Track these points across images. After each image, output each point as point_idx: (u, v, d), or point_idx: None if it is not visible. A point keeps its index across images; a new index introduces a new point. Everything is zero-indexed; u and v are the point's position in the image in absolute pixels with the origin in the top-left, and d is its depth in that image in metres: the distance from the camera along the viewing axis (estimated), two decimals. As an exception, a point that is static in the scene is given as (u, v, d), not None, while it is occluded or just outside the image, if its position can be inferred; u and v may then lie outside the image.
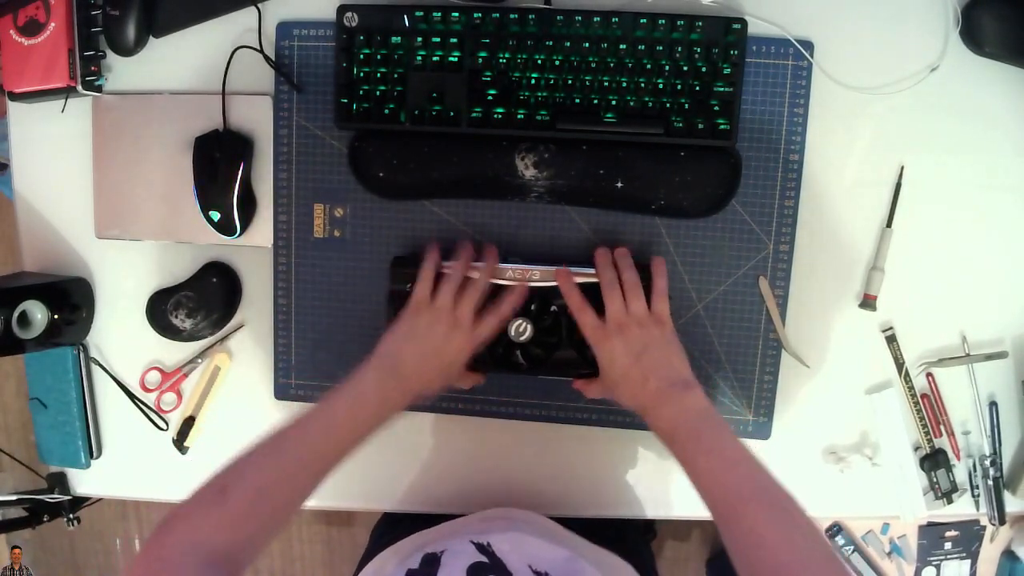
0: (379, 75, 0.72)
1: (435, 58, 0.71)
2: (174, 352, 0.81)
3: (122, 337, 0.82)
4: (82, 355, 0.81)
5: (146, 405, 0.82)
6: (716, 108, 0.69)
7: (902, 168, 0.73)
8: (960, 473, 0.77)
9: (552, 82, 0.70)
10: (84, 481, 0.85)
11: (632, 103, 0.70)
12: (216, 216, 0.75)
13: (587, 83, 0.70)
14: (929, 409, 0.76)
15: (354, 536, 1.78)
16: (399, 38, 0.71)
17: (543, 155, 0.70)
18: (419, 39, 0.71)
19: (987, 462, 0.76)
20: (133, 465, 0.84)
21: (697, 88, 0.69)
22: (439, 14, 0.70)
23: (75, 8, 0.74)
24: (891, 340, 0.75)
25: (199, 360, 0.81)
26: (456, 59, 0.71)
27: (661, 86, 0.69)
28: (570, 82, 0.70)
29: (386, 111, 0.72)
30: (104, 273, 0.82)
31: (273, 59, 0.75)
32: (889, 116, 0.73)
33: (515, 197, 0.73)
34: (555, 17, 0.69)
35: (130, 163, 0.79)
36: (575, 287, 0.67)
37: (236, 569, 0.51)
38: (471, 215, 0.76)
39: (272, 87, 0.76)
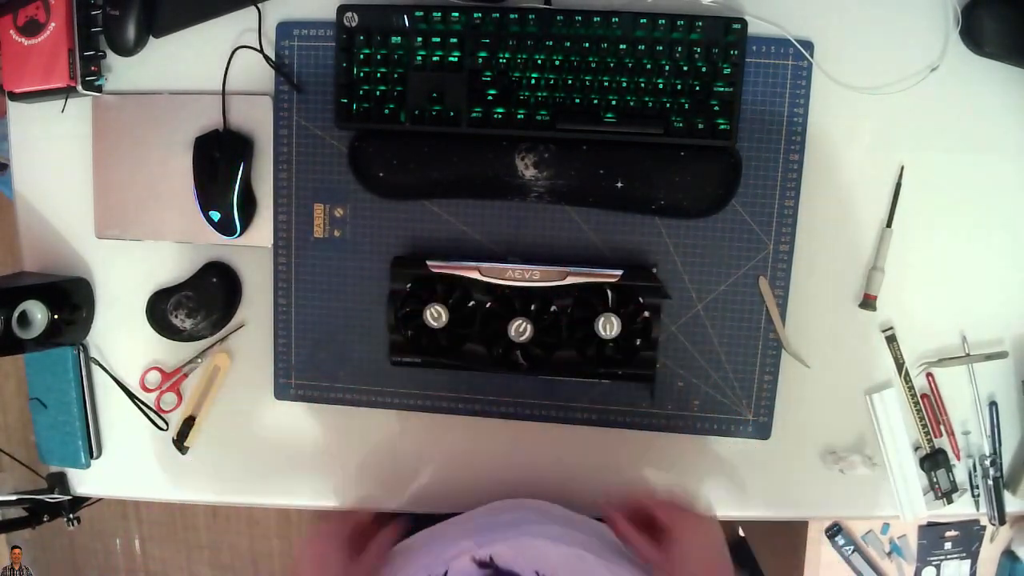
0: (379, 75, 0.72)
1: (435, 58, 0.71)
2: (174, 352, 0.81)
3: (122, 337, 0.82)
4: (82, 355, 0.81)
5: (146, 405, 0.82)
6: (716, 108, 0.69)
7: (902, 168, 0.73)
8: (960, 473, 0.77)
9: (552, 82, 0.70)
10: (84, 481, 0.85)
11: (632, 103, 0.70)
12: (216, 216, 0.75)
13: (587, 83, 0.70)
14: (929, 409, 0.76)
15: (354, 536, 1.78)
16: (399, 38, 0.71)
17: (543, 155, 0.70)
18: (419, 39, 0.71)
19: (987, 462, 0.76)
20: (133, 465, 0.84)
21: (697, 88, 0.69)
22: (439, 14, 0.70)
23: (75, 8, 0.74)
24: (891, 340, 0.75)
25: (199, 360, 0.81)
26: (456, 59, 0.71)
27: (661, 86, 0.69)
28: (570, 82, 0.70)
29: (386, 111, 0.72)
30: (104, 273, 0.82)
31: (273, 59, 0.75)
32: (889, 116, 0.73)
33: (515, 197, 0.73)
34: (555, 17, 0.69)
35: (130, 163, 0.79)
36: (629, 528, 0.62)
37: None
38: (471, 215, 0.76)
39: (272, 87, 0.76)
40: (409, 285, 0.73)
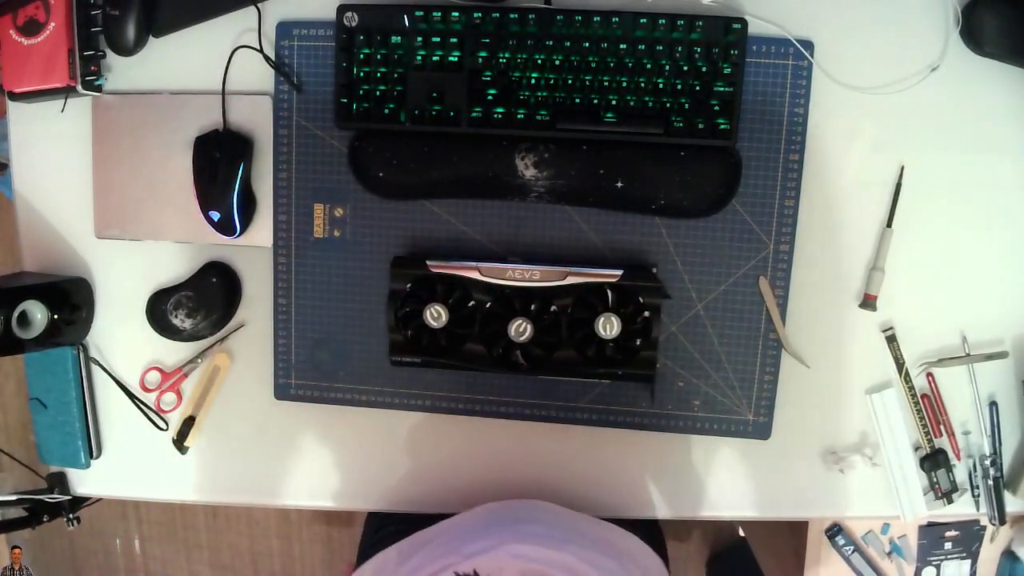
0: (379, 75, 0.72)
1: (435, 58, 0.71)
2: (174, 352, 0.81)
3: (122, 337, 0.82)
4: (82, 355, 0.81)
5: (146, 405, 0.82)
6: (716, 108, 0.69)
7: (902, 168, 0.73)
8: (960, 473, 0.77)
9: (552, 82, 0.70)
10: (84, 481, 0.85)
11: (632, 103, 0.70)
12: (216, 216, 0.75)
13: (587, 83, 0.70)
14: (929, 409, 0.76)
15: (354, 536, 1.77)
16: (399, 38, 0.71)
17: (543, 155, 0.70)
18: (419, 39, 0.71)
19: (987, 462, 0.76)
20: (133, 465, 0.84)
21: (697, 88, 0.69)
22: (439, 14, 0.70)
23: (75, 8, 0.74)
24: (891, 340, 0.75)
25: (199, 360, 0.81)
26: (456, 59, 0.71)
27: (661, 86, 0.69)
28: (570, 82, 0.70)
29: (386, 111, 0.72)
30: (104, 273, 0.82)
31: (273, 59, 0.75)
32: (889, 116, 0.73)
33: (515, 197, 0.73)
34: (555, 17, 0.69)
35: (130, 163, 0.79)
36: None
37: None
38: (471, 215, 0.76)
39: (272, 87, 0.76)
40: (409, 285, 0.72)
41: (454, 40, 0.70)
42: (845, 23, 0.72)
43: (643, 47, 0.69)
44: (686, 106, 0.69)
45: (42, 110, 0.78)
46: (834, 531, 0.86)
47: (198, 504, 1.73)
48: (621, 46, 0.69)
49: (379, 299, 0.76)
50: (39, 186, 0.82)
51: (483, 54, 0.70)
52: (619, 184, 0.70)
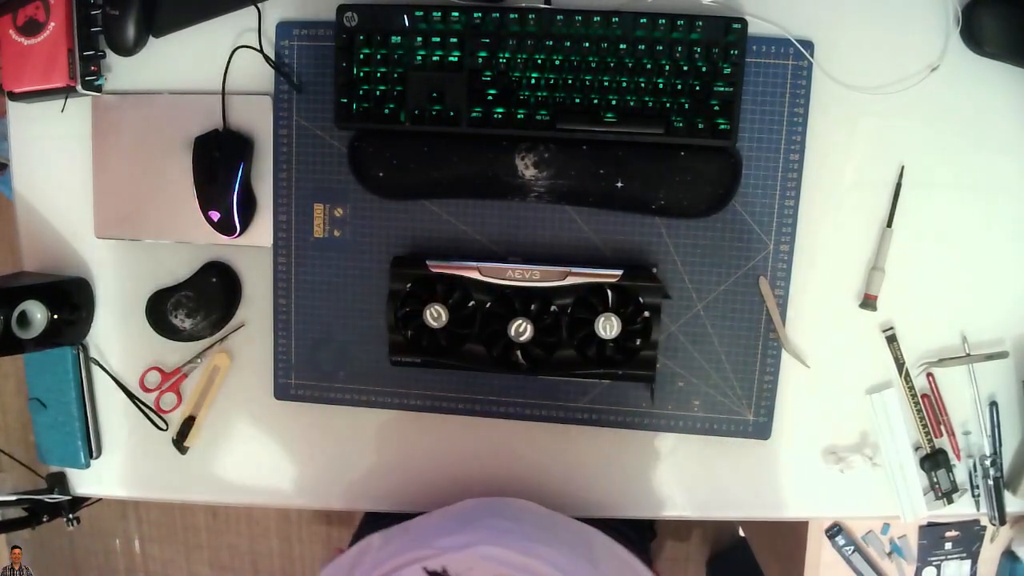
0: (379, 75, 0.72)
1: (435, 58, 0.71)
2: (174, 352, 0.81)
3: (122, 337, 0.82)
4: (82, 355, 0.81)
5: (146, 405, 0.82)
6: (716, 108, 0.69)
7: (902, 168, 0.73)
8: (960, 473, 0.77)
9: (552, 82, 0.70)
10: (84, 481, 0.85)
11: (632, 103, 0.70)
12: (216, 216, 0.75)
13: (587, 83, 0.70)
14: (929, 409, 0.76)
15: (354, 536, 1.78)
16: (399, 38, 0.71)
17: (543, 155, 0.70)
18: (419, 39, 0.71)
19: (987, 462, 0.76)
20: (133, 465, 0.84)
21: (697, 88, 0.69)
22: (439, 14, 0.70)
23: (75, 8, 0.74)
24: (891, 340, 0.75)
25: (199, 360, 0.81)
26: (456, 59, 0.71)
27: (661, 86, 0.69)
28: (570, 82, 0.70)
29: (386, 111, 0.72)
30: (104, 273, 0.82)
31: (273, 59, 0.75)
32: (889, 116, 0.73)
33: (515, 197, 0.73)
34: (555, 17, 0.69)
35: (130, 163, 0.79)
36: None
37: None
38: (471, 215, 0.76)
39: (272, 87, 0.76)
40: (409, 285, 0.73)
41: (454, 40, 0.70)
42: (845, 23, 0.72)
43: (643, 47, 0.69)
44: (686, 106, 0.69)
45: (42, 110, 0.78)
46: (834, 531, 0.86)
47: (198, 504, 1.73)
48: (621, 46, 0.69)
49: (379, 299, 0.76)
50: (39, 186, 0.82)
51: (483, 54, 0.70)
52: (619, 184, 0.70)
